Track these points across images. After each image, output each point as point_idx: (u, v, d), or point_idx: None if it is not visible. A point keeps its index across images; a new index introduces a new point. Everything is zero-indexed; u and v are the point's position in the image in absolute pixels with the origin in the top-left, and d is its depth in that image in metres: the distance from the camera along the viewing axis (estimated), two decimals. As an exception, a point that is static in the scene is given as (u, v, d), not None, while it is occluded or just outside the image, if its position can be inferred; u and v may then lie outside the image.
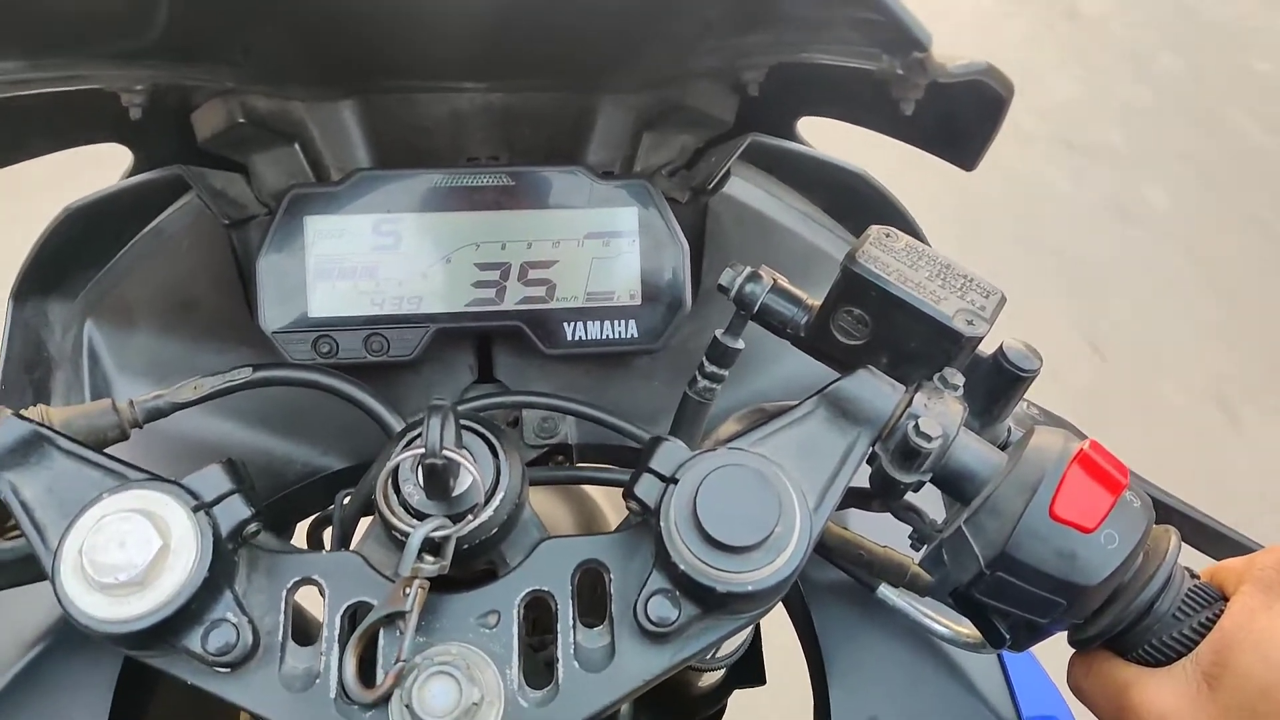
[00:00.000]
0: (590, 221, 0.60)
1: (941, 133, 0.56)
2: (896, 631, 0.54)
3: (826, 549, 0.52)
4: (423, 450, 0.39)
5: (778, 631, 0.62)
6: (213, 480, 0.40)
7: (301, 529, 0.67)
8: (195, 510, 0.39)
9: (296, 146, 0.62)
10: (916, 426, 0.42)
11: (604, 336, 0.60)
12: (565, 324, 0.59)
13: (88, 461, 0.41)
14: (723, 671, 0.72)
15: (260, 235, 0.58)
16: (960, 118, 0.53)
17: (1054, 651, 0.49)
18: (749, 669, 0.71)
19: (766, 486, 0.40)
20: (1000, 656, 0.55)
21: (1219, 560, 0.46)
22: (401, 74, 0.60)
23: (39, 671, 0.50)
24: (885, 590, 0.53)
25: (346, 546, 0.49)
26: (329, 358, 0.58)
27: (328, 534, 0.57)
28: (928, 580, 0.50)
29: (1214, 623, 0.41)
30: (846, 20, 0.43)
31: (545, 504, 0.83)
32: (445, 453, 0.39)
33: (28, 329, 0.62)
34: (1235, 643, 0.39)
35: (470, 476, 0.41)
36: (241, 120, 0.60)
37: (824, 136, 0.69)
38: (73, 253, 0.62)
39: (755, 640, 0.70)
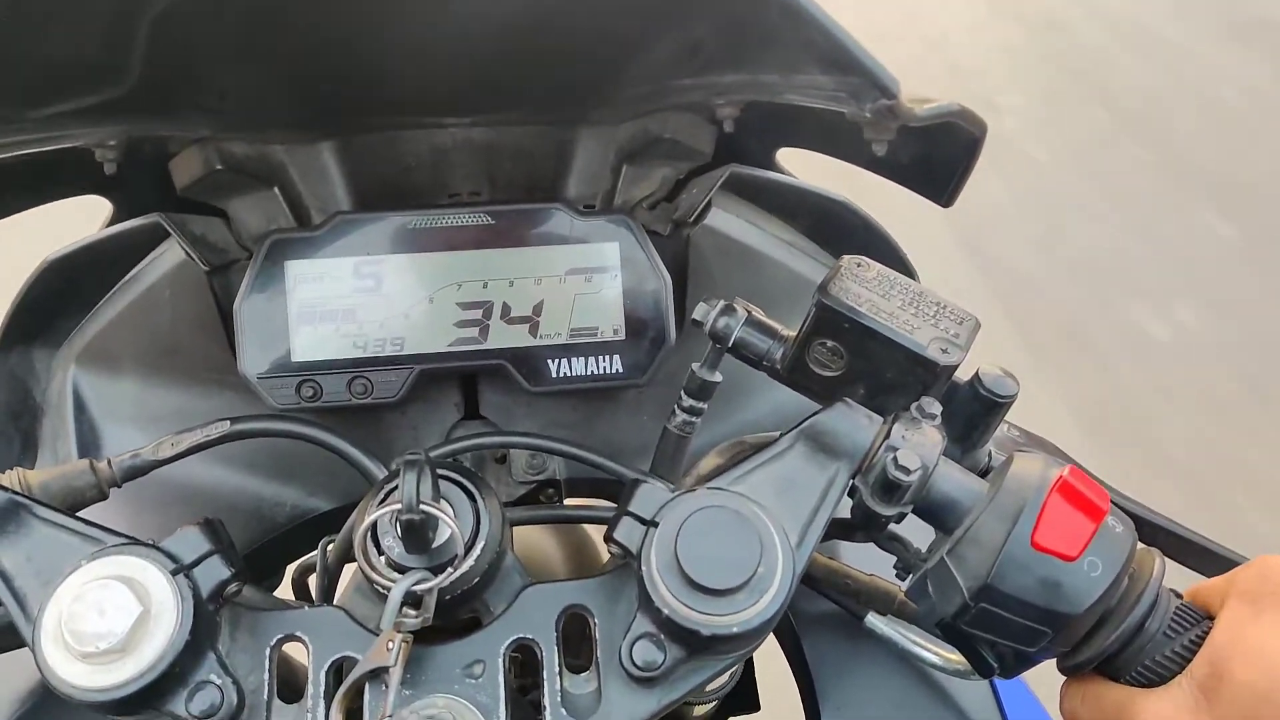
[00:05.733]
0: (572, 257, 0.60)
1: (916, 170, 0.56)
2: (887, 660, 0.54)
3: (814, 580, 0.52)
4: (399, 505, 0.39)
5: (773, 658, 0.62)
6: (191, 541, 0.40)
7: (292, 569, 0.67)
8: (174, 573, 0.39)
9: (276, 190, 0.62)
10: (895, 459, 0.41)
11: (589, 372, 0.60)
12: (549, 361, 0.59)
13: (65, 528, 0.40)
14: (715, 703, 0.71)
15: (241, 280, 0.58)
16: (934, 157, 0.53)
17: (1045, 675, 0.49)
18: (742, 698, 0.71)
19: (747, 527, 0.40)
20: (991, 682, 0.55)
21: (1205, 575, 0.46)
22: (383, 111, 0.60)
23: None
24: (873, 619, 0.52)
25: (331, 596, 0.49)
26: (313, 401, 0.57)
27: (314, 579, 0.57)
28: (915, 608, 0.51)
29: (1204, 639, 0.41)
30: (817, 63, 0.44)
31: (536, 540, 0.83)
32: (422, 507, 0.39)
33: (13, 378, 0.62)
34: (1230, 654, 0.40)
35: (449, 529, 0.41)
36: (219, 167, 0.60)
37: (813, 158, 0.68)
38: (55, 302, 0.62)
39: (748, 669, 0.70)
